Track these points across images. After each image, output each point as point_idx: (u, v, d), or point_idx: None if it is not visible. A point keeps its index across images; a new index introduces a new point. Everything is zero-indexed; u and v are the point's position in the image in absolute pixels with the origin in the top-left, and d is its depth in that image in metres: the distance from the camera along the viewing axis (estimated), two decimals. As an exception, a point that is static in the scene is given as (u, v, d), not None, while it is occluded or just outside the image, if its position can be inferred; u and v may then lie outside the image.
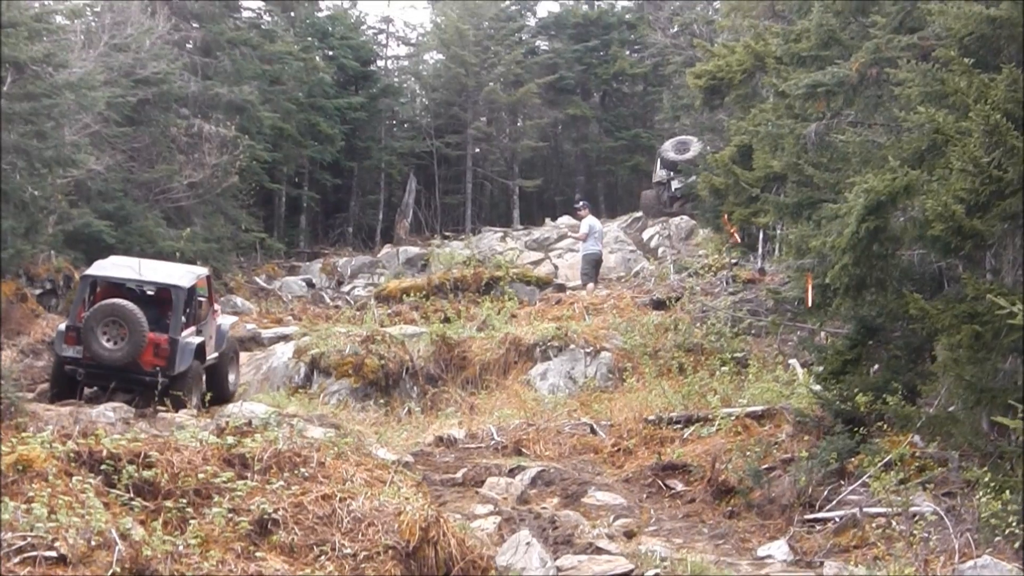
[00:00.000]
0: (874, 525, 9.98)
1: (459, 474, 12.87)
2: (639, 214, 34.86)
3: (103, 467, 8.37)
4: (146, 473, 8.35)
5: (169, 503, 8.18)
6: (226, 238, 29.57)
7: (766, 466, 12.13)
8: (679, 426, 14.35)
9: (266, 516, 8.17)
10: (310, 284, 31.31)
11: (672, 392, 16.05)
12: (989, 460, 9.93)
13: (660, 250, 30.14)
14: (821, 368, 12.74)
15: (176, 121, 28.51)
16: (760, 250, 22.53)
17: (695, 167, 28.14)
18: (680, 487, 12.58)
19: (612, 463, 13.69)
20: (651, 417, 14.69)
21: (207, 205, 28.97)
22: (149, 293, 17.03)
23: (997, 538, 9.02)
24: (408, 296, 23.61)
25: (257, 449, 9.12)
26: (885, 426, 11.28)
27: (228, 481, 8.52)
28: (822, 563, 9.89)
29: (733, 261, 23.10)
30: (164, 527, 7.86)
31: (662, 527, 11.41)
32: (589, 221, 24.56)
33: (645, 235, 32.53)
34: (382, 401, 17.65)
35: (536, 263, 29.87)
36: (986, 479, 9.32)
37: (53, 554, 7.10)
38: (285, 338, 20.95)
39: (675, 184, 32.84)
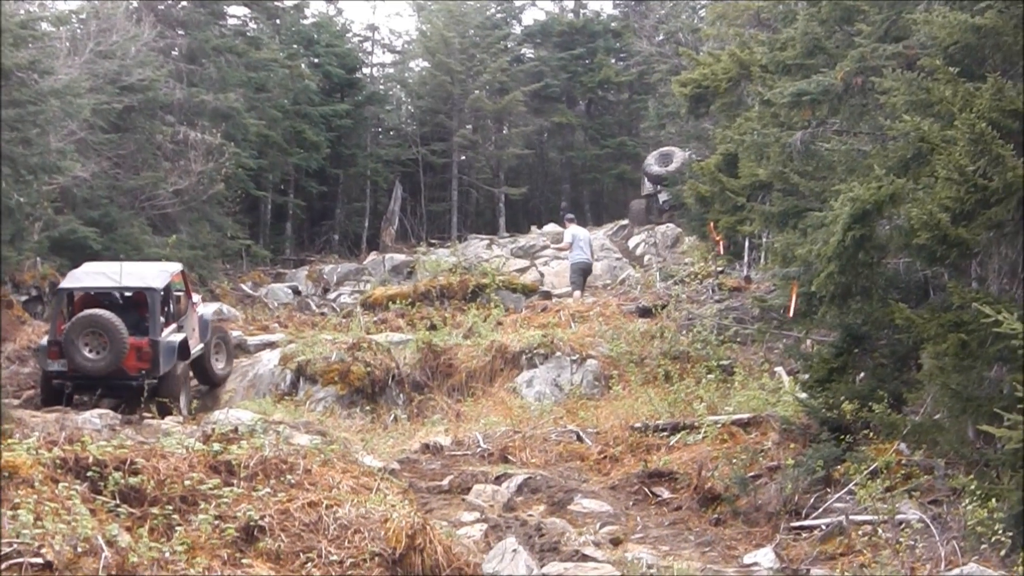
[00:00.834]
0: (860, 533, 9.97)
1: (445, 481, 12.86)
2: (625, 222, 34.94)
3: (89, 474, 8.32)
4: (132, 480, 8.31)
5: (155, 510, 8.13)
6: (212, 245, 29.53)
7: (752, 474, 12.14)
8: (665, 433, 14.37)
9: (252, 523, 8.14)
10: (296, 291, 31.24)
11: (658, 400, 16.07)
12: (975, 468, 9.91)
13: (646, 258, 30.24)
14: (807, 376, 12.76)
15: (162, 128, 28.45)
16: (746, 258, 22.58)
17: (681, 176, 28.17)
18: (666, 494, 12.57)
19: (598, 470, 13.70)
20: (637, 424, 14.72)
21: (193, 212, 28.94)
22: (127, 296, 17.06)
23: (983, 546, 9.00)
24: (394, 303, 23.58)
25: (243, 456, 9.09)
26: (871, 434, 11.26)
27: (214, 488, 8.48)
28: (808, 571, 9.90)
29: (719, 269, 23.14)
30: (150, 534, 7.82)
31: (648, 534, 11.41)
32: (572, 231, 24.66)
33: (631, 243, 32.62)
34: (368, 408, 17.61)
35: (522, 271, 29.85)
36: (972, 487, 9.29)
37: (39, 561, 7.06)
38: (271, 345, 20.88)
39: (663, 197, 32.93)
